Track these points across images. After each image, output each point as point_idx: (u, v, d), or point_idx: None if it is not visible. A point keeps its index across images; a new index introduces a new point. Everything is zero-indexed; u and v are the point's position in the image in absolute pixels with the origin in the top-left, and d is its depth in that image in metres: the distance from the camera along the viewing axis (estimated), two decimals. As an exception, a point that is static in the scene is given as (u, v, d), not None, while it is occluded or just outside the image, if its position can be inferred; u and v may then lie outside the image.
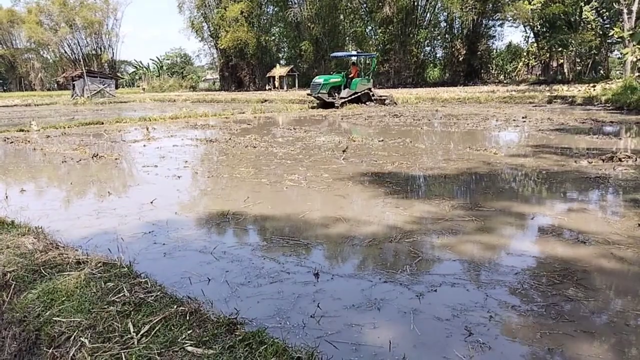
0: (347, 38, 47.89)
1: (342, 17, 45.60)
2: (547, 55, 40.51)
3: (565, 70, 38.35)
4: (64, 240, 3.77)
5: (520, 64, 47.21)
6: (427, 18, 44.92)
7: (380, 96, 22.17)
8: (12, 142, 10.95)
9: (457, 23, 43.28)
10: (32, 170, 7.46)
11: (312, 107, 20.68)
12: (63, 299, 2.47)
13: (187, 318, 2.21)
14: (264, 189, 5.78)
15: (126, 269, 2.82)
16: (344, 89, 20.83)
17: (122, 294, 2.48)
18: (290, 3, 47.65)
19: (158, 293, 2.50)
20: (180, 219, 4.57)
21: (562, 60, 39.85)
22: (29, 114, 22.43)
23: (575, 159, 7.00)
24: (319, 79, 20.86)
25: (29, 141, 11.14)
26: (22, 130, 13.59)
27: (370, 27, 46.80)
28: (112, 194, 5.70)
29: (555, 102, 19.53)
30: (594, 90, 19.95)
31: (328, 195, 5.32)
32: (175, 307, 2.30)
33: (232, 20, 45.58)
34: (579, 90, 21.06)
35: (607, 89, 19.00)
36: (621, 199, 5.06)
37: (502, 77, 46.82)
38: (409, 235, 3.90)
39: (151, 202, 5.15)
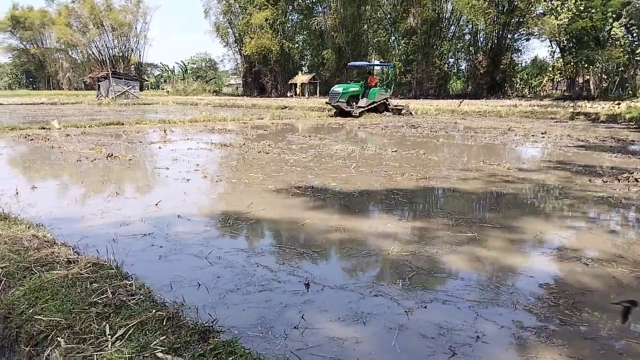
0: (370, 47, 47.90)
1: (365, 26, 45.66)
2: (573, 71, 39.88)
3: (591, 87, 37.65)
4: (63, 238, 3.82)
5: (546, 78, 46.60)
6: (451, 30, 44.68)
7: (396, 106, 22.12)
8: (32, 140, 11.18)
9: (481, 36, 42.95)
10: (46, 168, 7.59)
11: (331, 116, 20.70)
12: (47, 297, 2.48)
13: (164, 323, 2.19)
14: (270, 195, 5.77)
15: (114, 270, 2.82)
16: (362, 98, 20.84)
17: (104, 296, 2.48)
18: (315, 11, 47.93)
19: (140, 296, 2.49)
20: (182, 222, 4.58)
21: (588, 77, 39.19)
22: (54, 112, 22.92)
23: (590, 178, 6.84)
24: (337, 88, 20.88)
25: (48, 139, 11.36)
26: (44, 128, 13.87)
27: (393, 38, 46.73)
28: (120, 194, 5.76)
29: (577, 118, 19.20)
30: (619, 107, 19.55)
31: (333, 205, 5.28)
32: (153, 311, 2.28)
33: (256, 27, 46.02)
34: (603, 107, 20.65)
35: (632, 107, 18.60)
36: (630, 220, 4.91)
37: (526, 91, 46.26)
38: (407, 248, 3.84)
39: (156, 204, 5.19)
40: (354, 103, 20.68)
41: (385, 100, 21.49)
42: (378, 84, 22.37)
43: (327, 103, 21.52)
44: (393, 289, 3.09)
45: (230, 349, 1.99)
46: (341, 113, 20.34)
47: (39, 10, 62.54)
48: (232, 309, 2.79)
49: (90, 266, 2.86)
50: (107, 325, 2.20)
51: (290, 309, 2.81)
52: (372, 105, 20.85)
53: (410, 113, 21.59)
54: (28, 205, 5.11)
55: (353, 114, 20.08)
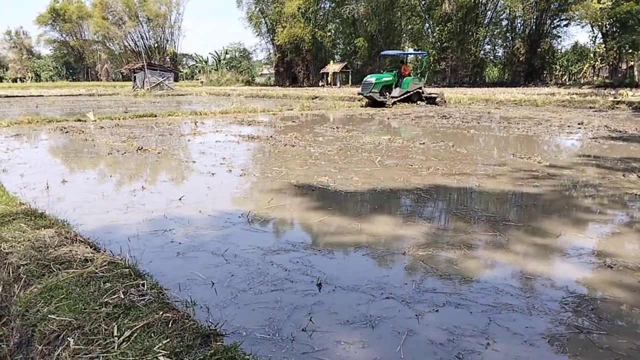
0: (403, 35, 47.26)
1: (399, 14, 45.04)
2: (616, 57, 38.38)
3: (635, 73, 36.17)
4: (86, 234, 3.93)
5: (586, 65, 45.01)
6: (488, 16, 43.62)
7: (430, 94, 21.74)
8: (67, 132, 11.53)
9: (519, 22, 41.78)
10: (78, 161, 7.81)
11: (362, 106, 20.52)
12: (62, 296, 2.55)
13: (169, 326, 2.23)
14: (291, 190, 5.79)
15: (128, 269, 2.88)
16: (395, 88, 20.57)
17: (116, 296, 2.54)
18: (347, -1, 47.54)
19: (151, 297, 2.53)
20: (203, 217, 4.64)
21: (632, 63, 37.64)
22: (91, 104, 23.56)
23: (624, 173, 6.57)
24: (370, 78, 20.64)
25: (82, 131, 11.69)
26: (80, 120, 14.28)
27: (427, 25, 45.95)
28: (146, 188, 5.88)
29: (618, 107, 18.45)
30: (663, 96, 18.68)
31: (352, 201, 5.25)
32: (160, 313, 2.32)
33: (289, 16, 46.01)
34: (646, 96, 19.79)
35: (677, 95, 17.74)
36: (666, 219, 4.70)
37: (565, 78, 44.82)
38: (424, 248, 3.78)
39: (179, 199, 5.27)
40: (387, 93, 20.42)
41: (419, 89, 21.17)
42: (411, 72, 22.06)
43: (359, 94, 21.34)
44: (405, 291, 3.05)
45: (230, 355, 2.01)
46: (374, 103, 20.13)
47: (77, 3, 64.17)
48: (243, 309, 2.81)
49: (105, 265, 2.93)
50: (116, 326, 2.25)
51: (300, 310, 2.81)
52: (406, 95, 20.56)
53: (445, 102, 21.20)
54: (57, 199, 5.28)
55: (386, 104, 19.86)
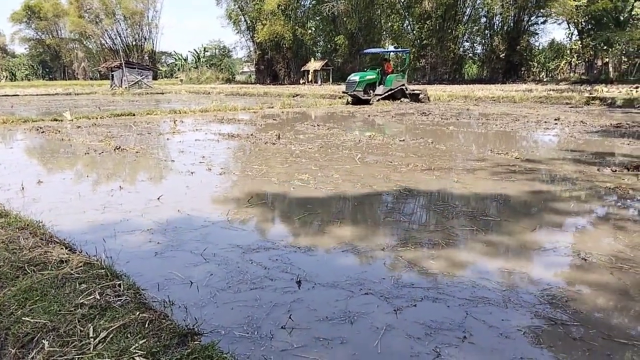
0: (383, 33, 47.43)
1: (379, 11, 45.16)
2: (592, 54, 39.08)
3: (610, 70, 36.90)
4: (63, 235, 3.87)
5: (563, 62, 45.76)
6: (467, 13, 44.01)
7: (413, 91, 21.89)
8: (43, 132, 11.32)
9: (497, 19, 42.25)
10: (54, 161, 7.68)
11: (348, 103, 20.50)
12: (36, 298, 2.51)
13: (146, 326, 2.21)
14: (271, 188, 5.78)
15: (104, 270, 2.85)
16: (379, 86, 20.64)
17: (92, 297, 2.51)
18: (328, -3, 47.52)
19: (127, 297, 2.51)
20: (182, 217, 4.60)
21: (607, 59, 38.37)
22: (68, 103, 23.17)
23: (599, 167, 6.71)
24: (354, 77, 20.64)
25: (59, 131, 11.49)
26: (56, 120, 14.03)
27: (407, 22, 46.20)
28: (123, 188, 5.81)
29: (593, 103, 18.81)
30: (637, 92, 19.10)
31: (332, 198, 5.26)
32: (137, 313, 2.30)
33: (269, 13, 45.80)
34: (620, 92, 20.21)
35: (650, 91, 18.16)
36: (633, 212, 4.81)
37: (543, 75, 45.50)
38: (403, 244, 3.81)
39: (158, 199, 5.22)
40: (371, 91, 20.48)
41: (402, 87, 21.28)
42: (394, 70, 22.17)
43: (344, 92, 21.34)
44: (384, 287, 3.07)
45: (207, 354, 2.00)
46: (358, 101, 20.15)
47: (52, 1, 62.97)
48: (221, 308, 2.80)
49: (81, 266, 2.89)
50: (92, 327, 2.22)
51: (280, 307, 2.82)
52: (390, 92, 20.64)
53: (428, 98, 21.35)
54: (32, 200, 5.19)
55: (371, 102, 19.93)
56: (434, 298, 2.92)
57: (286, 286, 3.09)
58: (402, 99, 21.05)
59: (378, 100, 20.10)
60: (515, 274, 3.29)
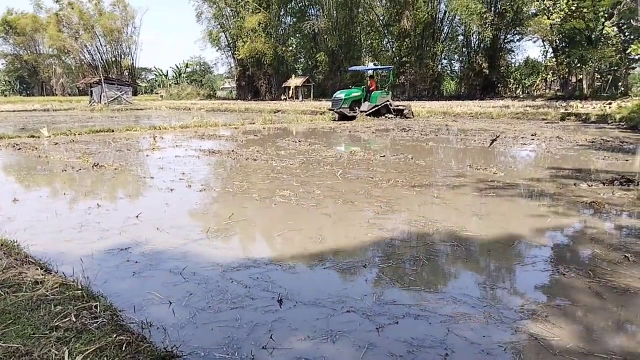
0: (363, 50, 47.96)
1: (359, 29, 45.71)
2: (567, 71, 40.05)
3: (584, 86, 37.81)
4: (39, 255, 3.78)
5: (539, 79, 46.78)
6: (445, 32, 44.79)
7: (398, 107, 22.16)
8: (20, 149, 11.11)
9: (475, 37, 43.05)
10: (31, 179, 7.54)
11: (334, 120, 20.59)
12: (9, 322, 2.44)
13: (123, 349, 2.16)
14: (253, 205, 5.75)
15: (81, 291, 2.78)
16: (364, 103, 20.89)
17: (67, 319, 2.44)
18: (308, 15, 47.96)
19: (104, 320, 2.45)
20: (161, 235, 4.54)
21: (581, 76, 39.34)
22: (46, 120, 22.83)
23: (576, 182, 6.83)
24: (340, 94, 20.88)
25: (36, 148, 11.30)
26: (33, 137, 13.79)
27: (386, 40, 46.81)
28: (101, 206, 5.71)
29: (568, 119, 19.22)
30: (610, 108, 19.59)
31: (314, 214, 5.25)
32: (114, 336, 2.25)
33: (250, 31, 45.99)
34: (594, 108, 20.70)
35: (622, 107, 18.65)
36: (610, 225, 4.90)
37: (520, 92, 46.41)
38: (384, 260, 3.82)
39: (137, 217, 5.15)
40: (357, 108, 20.73)
41: (387, 103, 21.53)
42: (378, 86, 22.43)
43: (330, 109, 21.49)
44: (366, 304, 3.06)
45: (186, 377, 1.96)
46: (344, 118, 20.32)
47: (31, 16, 62.37)
48: (201, 329, 2.76)
49: (57, 287, 2.82)
50: (67, 351, 2.16)
51: (261, 327, 2.78)
52: (375, 109, 20.87)
53: (412, 114, 21.61)
54: (7, 219, 5.07)
55: (357, 118, 20.14)
56: (416, 315, 2.92)
57: (267, 305, 3.06)
58: (386, 115, 21.26)
59: (366, 115, 20.33)
60: (496, 289, 3.31)
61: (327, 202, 5.77)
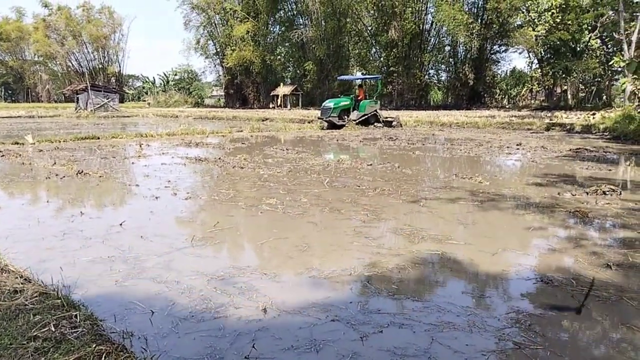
0: (351, 59, 48.23)
1: (346, 39, 45.97)
2: (551, 82, 40.62)
3: (569, 97, 38.39)
4: (19, 263, 3.71)
5: (524, 89, 47.38)
6: (432, 42, 45.25)
7: (386, 118, 22.29)
8: (2, 156, 10.96)
9: (461, 48, 43.54)
10: (12, 186, 7.43)
11: (322, 129, 20.62)
12: (-14, 332, 2.39)
13: (103, 359, 2.12)
14: (239, 212, 5.72)
15: (60, 300, 2.74)
16: (353, 111, 20.97)
17: (46, 329, 2.40)
18: (296, 24, 48.16)
19: (84, 329, 2.41)
20: (144, 243, 4.49)
21: (565, 87, 39.94)
22: (31, 126, 22.58)
23: (559, 191, 6.90)
24: (329, 103, 20.98)
25: (20, 155, 11.15)
26: (17, 143, 13.62)
27: (374, 50, 47.17)
28: (85, 213, 5.64)
29: (553, 129, 19.47)
30: (593, 118, 19.89)
31: (300, 222, 5.24)
32: (93, 346, 2.21)
33: (238, 39, 46.05)
34: (578, 118, 21.00)
35: (606, 118, 18.94)
36: (593, 234, 4.95)
37: (505, 102, 46.96)
38: (369, 269, 3.81)
39: (120, 224, 5.09)
40: (346, 117, 20.82)
41: (375, 112, 21.63)
42: (366, 95, 22.53)
43: (319, 118, 21.56)
44: (350, 313, 3.05)
45: (166, 387, 1.93)
46: (333, 127, 20.38)
47: (16, 22, 61.81)
48: (183, 338, 2.72)
49: (36, 296, 2.77)
50: (44, 361, 2.12)
51: (244, 337, 2.75)
52: (363, 118, 20.95)
53: (401, 125, 21.73)
54: (-13, 227, 4.98)
55: (346, 126, 20.21)
56: (400, 324, 2.91)
57: (251, 314, 3.04)
58: (375, 124, 21.36)
59: (354, 124, 20.41)
60: (480, 297, 3.32)
61: (314, 210, 5.76)
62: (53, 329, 2.42)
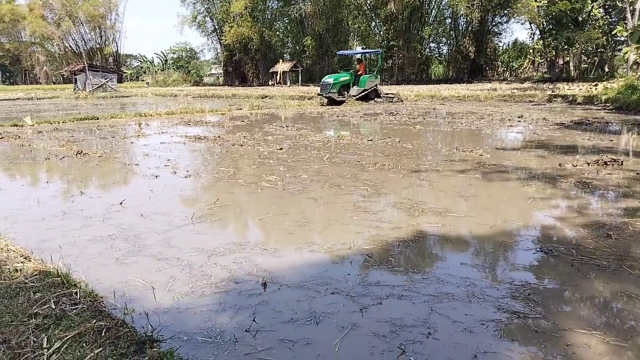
0: (350, 34, 47.66)
1: (345, 13, 45.33)
2: (553, 53, 40.14)
3: (571, 68, 37.97)
4: (19, 243, 3.73)
5: (526, 61, 46.89)
6: (432, 15, 44.63)
7: (387, 94, 22.08)
8: (2, 138, 10.93)
9: (462, 20, 42.95)
10: (12, 168, 7.42)
11: (322, 105, 20.49)
12: (-13, 310, 2.40)
13: (102, 334, 2.14)
14: (238, 190, 5.71)
15: (60, 278, 2.75)
16: (353, 87, 20.76)
17: (46, 306, 2.41)
18: (295, -2, 47.46)
19: (84, 306, 2.42)
20: (144, 222, 4.49)
21: (568, 58, 39.47)
22: (29, 108, 22.48)
23: (561, 162, 6.87)
24: (328, 79, 20.72)
25: (19, 136, 11.13)
26: (16, 125, 13.57)
27: (374, 24, 46.56)
28: (84, 193, 5.64)
29: (555, 100, 19.32)
30: (596, 89, 19.70)
31: (300, 198, 5.23)
32: (93, 322, 2.22)
33: (236, 15, 45.47)
34: (580, 89, 20.81)
35: (608, 89, 18.76)
36: (593, 204, 4.94)
37: (507, 74, 46.53)
38: (369, 242, 3.81)
39: (120, 203, 5.09)
40: (346, 92, 20.61)
41: (375, 87, 21.43)
42: (367, 70, 22.29)
43: (318, 94, 21.38)
44: (350, 285, 3.06)
45: (165, 361, 1.95)
46: (333, 102, 20.21)
47: (10, 4, 60.99)
48: (184, 313, 2.74)
49: (36, 274, 2.79)
50: (46, 337, 2.14)
51: (244, 310, 2.77)
52: (364, 93, 20.76)
53: (402, 100, 21.54)
54: (-12, 208, 4.99)
55: (346, 102, 20.05)
56: (400, 295, 2.92)
57: (251, 289, 3.05)
58: (375, 100, 21.17)
59: (355, 99, 20.23)
60: (479, 268, 3.33)
61: (314, 186, 5.75)
62: (53, 306, 2.43)
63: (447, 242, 3.85)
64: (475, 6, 38.25)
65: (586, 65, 39.45)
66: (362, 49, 44.52)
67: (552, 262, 3.41)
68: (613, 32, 26.73)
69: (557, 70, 39.35)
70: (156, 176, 6.50)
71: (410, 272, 3.27)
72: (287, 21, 50.42)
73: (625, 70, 25.60)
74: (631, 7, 21.86)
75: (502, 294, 2.91)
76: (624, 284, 3.03)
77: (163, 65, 66.46)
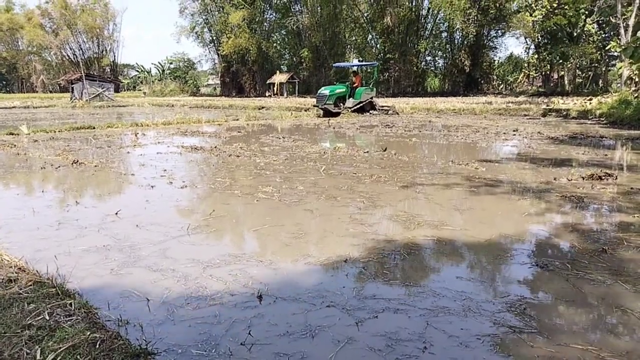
0: (347, 46, 48.00)
1: (342, 25, 45.69)
2: (548, 67, 40.55)
3: (566, 82, 38.33)
4: (14, 252, 3.70)
5: (521, 75, 47.28)
6: (428, 28, 45.03)
7: (382, 106, 22.21)
8: (-3, 146, 10.90)
9: (458, 34, 43.36)
10: (8, 176, 7.39)
11: (318, 116, 20.55)
12: (-20, 321, 2.38)
13: (97, 346, 2.12)
14: (235, 200, 5.71)
15: (54, 289, 2.73)
16: (348, 99, 20.88)
17: (40, 317, 2.39)
18: (292, 11, 47.81)
19: (78, 317, 2.41)
20: (140, 232, 4.48)
21: (562, 73, 39.86)
22: (26, 117, 22.44)
23: (555, 176, 6.90)
24: (324, 91, 20.83)
25: (14, 145, 11.09)
26: (12, 134, 13.54)
27: (370, 36, 46.89)
28: (80, 203, 5.62)
29: (549, 115, 19.45)
30: (590, 103, 19.86)
31: (296, 210, 5.23)
32: (88, 333, 2.21)
33: (234, 26, 45.73)
34: (575, 104, 20.98)
35: (602, 103, 18.92)
36: (588, 219, 4.96)
37: (502, 88, 46.90)
38: (365, 255, 3.81)
39: (116, 213, 5.08)
40: (341, 104, 20.73)
41: (371, 99, 21.54)
42: (362, 82, 22.42)
43: (314, 106, 21.49)
44: (346, 299, 3.05)
45: (160, 374, 1.93)
46: (329, 114, 20.29)
47: (8, 13, 61.13)
48: (179, 326, 2.72)
49: (31, 285, 2.77)
50: (39, 349, 2.12)
51: (239, 324, 2.76)
52: (359, 105, 20.86)
53: (397, 113, 21.65)
54: (-18, 217, 4.96)
55: (341, 114, 20.14)
56: (395, 309, 2.92)
57: (247, 301, 3.04)
58: (371, 112, 21.27)
59: (350, 111, 20.33)
60: (475, 282, 3.33)
61: (310, 198, 5.75)
62: (47, 317, 2.41)
63: (443, 255, 3.86)
64: (470, 20, 38.65)
65: (580, 80, 39.86)
66: (359, 61, 44.79)
67: (547, 276, 3.42)
68: (607, 48, 27.01)
69: (551, 84, 39.73)
70: (152, 186, 6.49)
71: (406, 285, 3.27)
72: (284, 33, 50.77)
73: (619, 85, 25.84)
74: (624, 23, 22.13)
75: (498, 308, 2.92)
76: (619, 299, 3.04)
77: (160, 75, 66.58)
